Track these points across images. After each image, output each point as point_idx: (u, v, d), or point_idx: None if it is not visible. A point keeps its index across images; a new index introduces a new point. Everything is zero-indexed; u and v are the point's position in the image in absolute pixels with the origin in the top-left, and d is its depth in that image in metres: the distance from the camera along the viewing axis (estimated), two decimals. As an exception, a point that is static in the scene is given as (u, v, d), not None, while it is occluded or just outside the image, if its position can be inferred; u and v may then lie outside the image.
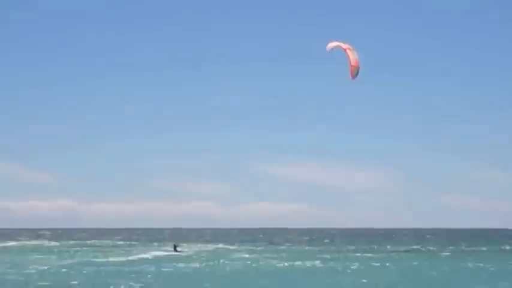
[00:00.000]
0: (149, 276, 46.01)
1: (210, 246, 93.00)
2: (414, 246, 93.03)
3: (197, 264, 56.75)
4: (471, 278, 44.46)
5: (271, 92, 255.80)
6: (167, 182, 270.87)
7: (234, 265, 55.81)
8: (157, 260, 64.15)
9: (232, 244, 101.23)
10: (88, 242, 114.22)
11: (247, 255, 69.81)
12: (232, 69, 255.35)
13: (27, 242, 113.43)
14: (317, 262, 57.97)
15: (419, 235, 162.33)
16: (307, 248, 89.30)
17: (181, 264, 56.44)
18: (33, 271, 50.62)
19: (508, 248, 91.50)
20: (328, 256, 68.58)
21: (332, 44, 30.31)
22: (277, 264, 56.31)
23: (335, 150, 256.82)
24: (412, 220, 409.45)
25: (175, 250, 78.29)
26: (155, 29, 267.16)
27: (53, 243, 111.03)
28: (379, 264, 56.09)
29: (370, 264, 55.64)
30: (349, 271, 49.94)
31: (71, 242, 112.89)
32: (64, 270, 51.71)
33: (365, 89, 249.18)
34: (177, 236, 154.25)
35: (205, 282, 41.94)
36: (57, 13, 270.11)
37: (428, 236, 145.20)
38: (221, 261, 60.29)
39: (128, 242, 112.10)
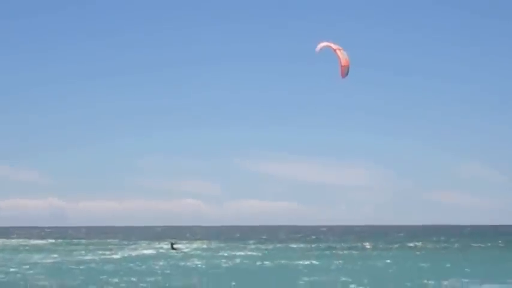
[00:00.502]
0: (153, 273, 45.23)
1: (205, 244, 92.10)
2: (404, 244, 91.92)
3: (198, 262, 56.01)
4: (450, 275, 43.54)
5: (261, 90, 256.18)
6: (156, 180, 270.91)
7: (235, 263, 55.08)
8: (155, 257, 63.35)
9: (225, 242, 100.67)
10: (83, 240, 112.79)
11: (242, 253, 69.29)
12: (221, 67, 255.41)
13: (16, 240, 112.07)
14: (302, 261, 56.51)
15: (408, 232, 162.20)
16: (294, 246, 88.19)
17: (182, 263, 55.65)
18: (24, 269, 49.69)
19: (480, 245, 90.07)
20: (314, 253, 67.96)
21: (321, 45, 29.86)
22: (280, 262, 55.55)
23: (325, 147, 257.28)
24: (403, 217, 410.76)
25: (172, 248, 77.82)
26: (144, 30, 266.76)
27: (43, 241, 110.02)
28: (361, 262, 54.69)
29: (353, 262, 54.38)
30: (332, 267, 49.14)
31: (62, 241, 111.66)
32: (61, 268, 50.92)
33: (355, 87, 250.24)
34: (167, 234, 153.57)
35: (212, 280, 41.27)
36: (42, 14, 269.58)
37: (417, 233, 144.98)
38: (223, 260, 59.36)
39: (121, 241, 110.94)
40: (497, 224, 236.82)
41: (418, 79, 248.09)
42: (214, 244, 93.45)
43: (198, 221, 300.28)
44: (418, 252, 70.95)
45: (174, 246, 78.68)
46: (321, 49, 30.02)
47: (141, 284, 39.15)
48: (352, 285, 37.86)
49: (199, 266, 52.38)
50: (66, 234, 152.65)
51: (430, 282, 39.21)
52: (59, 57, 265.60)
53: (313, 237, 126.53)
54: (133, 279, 41.81)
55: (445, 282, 38.87)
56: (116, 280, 41.26)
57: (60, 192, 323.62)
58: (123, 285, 39.06)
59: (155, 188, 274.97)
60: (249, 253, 69.71)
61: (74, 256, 66.29)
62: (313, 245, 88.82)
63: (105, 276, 43.42)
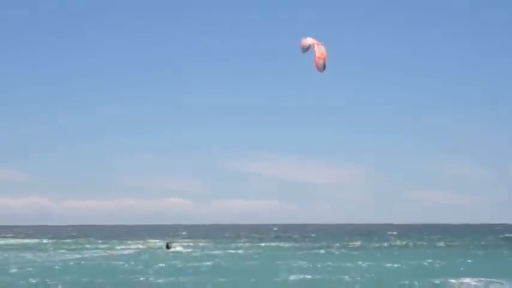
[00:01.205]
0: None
1: (196, 244, 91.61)
2: (383, 243, 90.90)
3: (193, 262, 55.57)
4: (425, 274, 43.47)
5: (246, 89, 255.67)
6: (140, 179, 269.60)
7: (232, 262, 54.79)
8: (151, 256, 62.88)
9: (214, 241, 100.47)
10: (69, 240, 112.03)
11: (232, 251, 69.12)
12: (207, 68, 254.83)
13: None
14: (295, 260, 56.02)
15: (390, 230, 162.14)
16: (287, 245, 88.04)
17: (179, 263, 55.26)
18: (14, 269, 49.15)
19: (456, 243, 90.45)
20: (308, 252, 67.99)
21: (306, 42, 29.42)
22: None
23: (309, 146, 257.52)
24: (385, 215, 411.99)
25: (167, 248, 77.68)
26: (133, 30, 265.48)
27: (31, 240, 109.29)
28: (331, 262, 53.78)
29: (323, 263, 53.16)
30: (328, 267, 48.39)
31: (51, 240, 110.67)
32: (56, 266, 50.45)
33: (337, 84, 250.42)
34: (151, 232, 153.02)
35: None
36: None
37: (395, 233, 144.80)
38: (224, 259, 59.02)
39: (113, 240, 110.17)
40: (484, 222, 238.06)
41: (403, 76, 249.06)
42: (204, 243, 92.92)
43: (181, 219, 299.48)
44: (398, 253, 69.61)
45: (170, 245, 78.68)
46: (307, 49, 29.64)
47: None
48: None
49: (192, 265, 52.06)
50: (52, 233, 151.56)
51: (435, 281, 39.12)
52: (44, 57, 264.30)
53: (297, 235, 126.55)
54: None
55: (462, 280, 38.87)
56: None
57: (45, 191, 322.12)
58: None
59: (138, 187, 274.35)
60: (249, 251, 69.64)
61: (66, 255, 65.94)
62: (302, 244, 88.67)
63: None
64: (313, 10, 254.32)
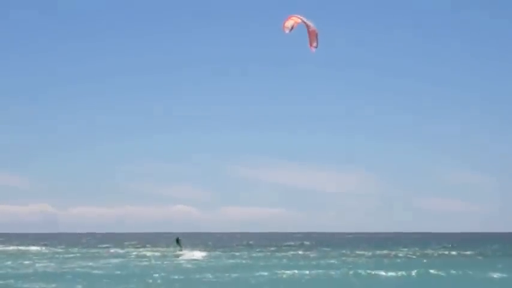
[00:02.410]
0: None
1: (206, 252, 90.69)
2: (386, 251, 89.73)
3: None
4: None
5: (252, 95, 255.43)
6: (147, 186, 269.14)
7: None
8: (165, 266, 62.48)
9: (224, 249, 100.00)
10: (85, 249, 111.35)
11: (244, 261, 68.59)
12: (210, 71, 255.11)
13: (5, 248, 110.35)
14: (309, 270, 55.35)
15: (397, 239, 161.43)
16: (301, 252, 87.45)
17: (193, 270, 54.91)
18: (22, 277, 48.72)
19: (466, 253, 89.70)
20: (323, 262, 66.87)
21: (289, 23, 28.16)
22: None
23: (316, 153, 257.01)
24: (392, 224, 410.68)
25: (177, 242, 77.95)
26: (133, 33, 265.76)
27: (39, 248, 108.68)
28: (335, 271, 52.89)
29: (331, 273, 51.77)
30: (303, 281, 46.62)
31: (59, 249, 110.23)
32: (67, 276, 50.08)
33: (344, 90, 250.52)
34: (158, 240, 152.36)
35: None
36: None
37: (406, 241, 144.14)
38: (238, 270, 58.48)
39: (120, 249, 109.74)
40: (490, 231, 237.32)
41: (409, 83, 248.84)
42: (216, 252, 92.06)
43: (188, 227, 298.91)
44: (402, 263, 67.80)
45: (180, 241, 78.83)
46: (291, 29, 28.52)
47: None
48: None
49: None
50: (61, 241, 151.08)
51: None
52: (45, 60, 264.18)
53: (307, 243, 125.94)
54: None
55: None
56: None
57: (49, 199, 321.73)
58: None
59: (145, 194, 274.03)
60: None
61: (79, 263, 65.61)
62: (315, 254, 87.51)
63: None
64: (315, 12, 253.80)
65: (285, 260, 69.32)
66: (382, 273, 50.92)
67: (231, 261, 68.03)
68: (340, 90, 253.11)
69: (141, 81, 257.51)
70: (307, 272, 51.73)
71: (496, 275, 49.28)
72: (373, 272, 51.40)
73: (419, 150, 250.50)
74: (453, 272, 51.00)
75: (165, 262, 65.98)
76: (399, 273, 50.55)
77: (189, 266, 60.53)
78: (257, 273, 50.02)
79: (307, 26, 27.42)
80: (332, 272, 51.84)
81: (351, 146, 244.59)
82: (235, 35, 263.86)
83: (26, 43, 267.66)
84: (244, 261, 67.28)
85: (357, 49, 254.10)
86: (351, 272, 51.46)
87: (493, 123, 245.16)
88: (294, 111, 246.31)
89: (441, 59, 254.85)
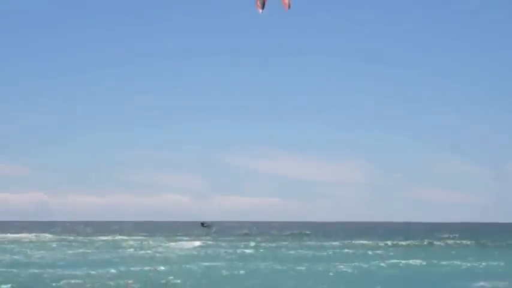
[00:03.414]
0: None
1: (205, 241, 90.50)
2: (378, 242, 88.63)
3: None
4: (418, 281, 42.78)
5: (246, 84, 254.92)
6: (140, 175, 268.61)
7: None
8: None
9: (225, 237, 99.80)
10: (84, 238, 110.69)
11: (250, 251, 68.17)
12: (204, 61, 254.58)
13: (5, 235, 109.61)
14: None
15: (388, 229, 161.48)
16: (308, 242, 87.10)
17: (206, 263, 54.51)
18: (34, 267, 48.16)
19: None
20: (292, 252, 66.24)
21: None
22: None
23: (309, 143, 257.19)
24: (385, 213, 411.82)
25: (203, 225, 79.75)
26: (130, 23, 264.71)
27: (36, 235, 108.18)
28: (329, 265, 50.99)
29: (323, 265, 50.26)
30: (292, 273, 45.47)
31: (70, 237, 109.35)
32: (75, 264, 49.63)
33: (336, 80, 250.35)
34: (153, 228, 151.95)
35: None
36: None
37: (394, 231, 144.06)
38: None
39: (130, 237, 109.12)
40: (482, 221, 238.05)
41: (402, 74, 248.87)
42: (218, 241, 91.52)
43: (181, 216, 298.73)
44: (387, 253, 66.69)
45: (205, 223, 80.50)
46: (263, 4, 28.51)
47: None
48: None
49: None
50: (61, 229, 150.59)
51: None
52: (44, 50, 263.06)
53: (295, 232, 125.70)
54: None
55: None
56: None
57: (43, 187, 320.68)
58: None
59: (138, 182, 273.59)
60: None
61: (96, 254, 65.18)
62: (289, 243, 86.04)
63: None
64: (314, 7, 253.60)
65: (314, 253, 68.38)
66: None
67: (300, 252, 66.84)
68: (336, 82, 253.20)
69: (133, 72, 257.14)
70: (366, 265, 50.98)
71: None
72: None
73: (415, 141, 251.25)
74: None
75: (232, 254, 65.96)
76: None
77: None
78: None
79: None
80: (382, 264, 51.24)
81: (346, 136, 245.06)
82: (233, 25, 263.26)
83: (28, 31, 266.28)
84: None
85: (353, 41, 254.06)
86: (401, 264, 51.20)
87: (490, 114, 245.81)
88: (288, 102, 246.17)
89: (439, 50, 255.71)
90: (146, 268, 46.76)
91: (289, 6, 28.35)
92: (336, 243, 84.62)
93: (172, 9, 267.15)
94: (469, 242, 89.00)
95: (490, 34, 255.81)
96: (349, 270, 45.94)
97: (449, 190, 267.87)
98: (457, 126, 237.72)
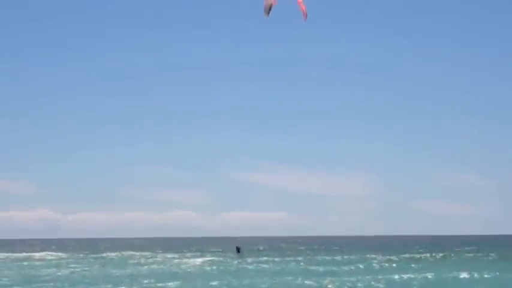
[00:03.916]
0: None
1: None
2: (387, 256, 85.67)
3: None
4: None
5: (252, 99, 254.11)
6: (147, 191, 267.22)
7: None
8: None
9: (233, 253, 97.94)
10: (96, 254, 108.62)
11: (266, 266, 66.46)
12: (211, 78, 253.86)
13: (13, 254, 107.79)
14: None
15: (397, 242, 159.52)
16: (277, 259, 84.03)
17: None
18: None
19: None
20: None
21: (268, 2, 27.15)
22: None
23: (315, 157, 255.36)
24: (392, 227, 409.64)
25: (238, 252, 79.22)
26: (140, 37, 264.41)
27: (63, 254, 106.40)
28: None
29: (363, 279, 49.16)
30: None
31: (80, 254, 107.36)
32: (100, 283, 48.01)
33: (343, 95, 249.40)
34: (164, 244, 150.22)
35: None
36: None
37: (406, 243, 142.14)
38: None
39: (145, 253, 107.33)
40: (490, 233, 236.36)
41: (409, 87, 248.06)
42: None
43: (190, 232, 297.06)
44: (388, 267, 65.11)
45: (240, 249, 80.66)
46: (269, 10, 27.66)
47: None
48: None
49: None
50: (74, 248, 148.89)
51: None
52: (48, 65, 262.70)
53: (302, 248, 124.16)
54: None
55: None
56: None
57: (51, 204, 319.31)
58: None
59: (146, 199, 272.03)
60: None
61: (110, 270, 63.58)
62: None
63: None
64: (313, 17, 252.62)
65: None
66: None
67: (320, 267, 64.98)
68: (341, 95, 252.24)
69: (139, 86, 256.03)
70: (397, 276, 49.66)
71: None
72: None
73: (420, 154, 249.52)
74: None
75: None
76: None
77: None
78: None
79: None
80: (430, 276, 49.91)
81: (352, 150, 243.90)
82: (239, 37, 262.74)
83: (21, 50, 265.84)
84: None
85: (359, 53, 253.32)
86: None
87: (494, 126, 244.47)
88: (295, 116, 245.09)
89: (444, 63, 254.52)
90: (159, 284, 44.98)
91: (306, 16, 27.79)
92: (352, 257, 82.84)
93: (176, 18, 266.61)
94: (493, 255, 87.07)
95: (496, 43, 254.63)
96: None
97: (458, 203, 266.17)
98: (465, 139, 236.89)
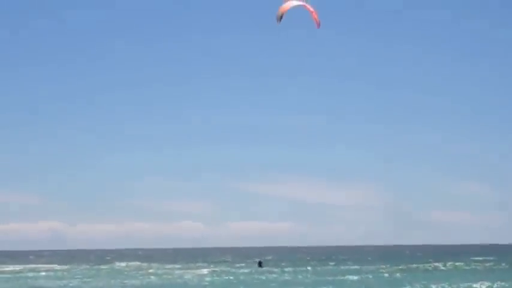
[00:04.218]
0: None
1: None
2: (397, 266, 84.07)
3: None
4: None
5: (259, 109, 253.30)
6: (154, 202, 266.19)
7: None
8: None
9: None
10: (104, 265, 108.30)
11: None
12: (217, 88, 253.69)
13: (21, 265, 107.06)
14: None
15: (404, 251, 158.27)
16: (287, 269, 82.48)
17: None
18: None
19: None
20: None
21: (284, 9, 27.23)
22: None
23: (322, 167, 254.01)
24: (402, 236, 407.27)
25: (260, 266, 79.54)
26: (139, 48, 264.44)
27: (56, 266, 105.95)
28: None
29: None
30: None
31: (93, 266, 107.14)
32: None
33: (350, 105, 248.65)
34: (175, 256, 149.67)
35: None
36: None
37: (415, 253, 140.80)
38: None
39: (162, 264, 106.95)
40: (497, 243, 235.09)
41: (412, 96, 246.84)
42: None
43: (197, 243, 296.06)
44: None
45: (262, 264, 79.84)
46: (281, 17, 27.64)
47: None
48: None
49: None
50: (75, 259, 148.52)
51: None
52: (53, 76, 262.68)
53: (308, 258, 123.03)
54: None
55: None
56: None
57: (57, 216, 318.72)
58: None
59: (153, 210, 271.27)
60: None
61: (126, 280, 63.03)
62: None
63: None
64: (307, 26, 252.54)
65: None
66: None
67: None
68: (347, 105, 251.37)
69: (149, 96, 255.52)
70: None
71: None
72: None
73: (426, 164, 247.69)
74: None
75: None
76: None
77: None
78: None
79: (308, 9, 27.03)
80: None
81: (359, 160, 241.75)
82: (242, 47, 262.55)
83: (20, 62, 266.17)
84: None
85: (362, 63, 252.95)
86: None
87: (500, 136, 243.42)
88: (299, 125, 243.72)
89: (448, 72, 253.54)
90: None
91: (319, 25, 28.06)
92: (367, 267, 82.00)
93: (183, 29, 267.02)
94: (504, 264, 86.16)
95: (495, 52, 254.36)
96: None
97: (465, 211, 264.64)
98: (473, 150, 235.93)
